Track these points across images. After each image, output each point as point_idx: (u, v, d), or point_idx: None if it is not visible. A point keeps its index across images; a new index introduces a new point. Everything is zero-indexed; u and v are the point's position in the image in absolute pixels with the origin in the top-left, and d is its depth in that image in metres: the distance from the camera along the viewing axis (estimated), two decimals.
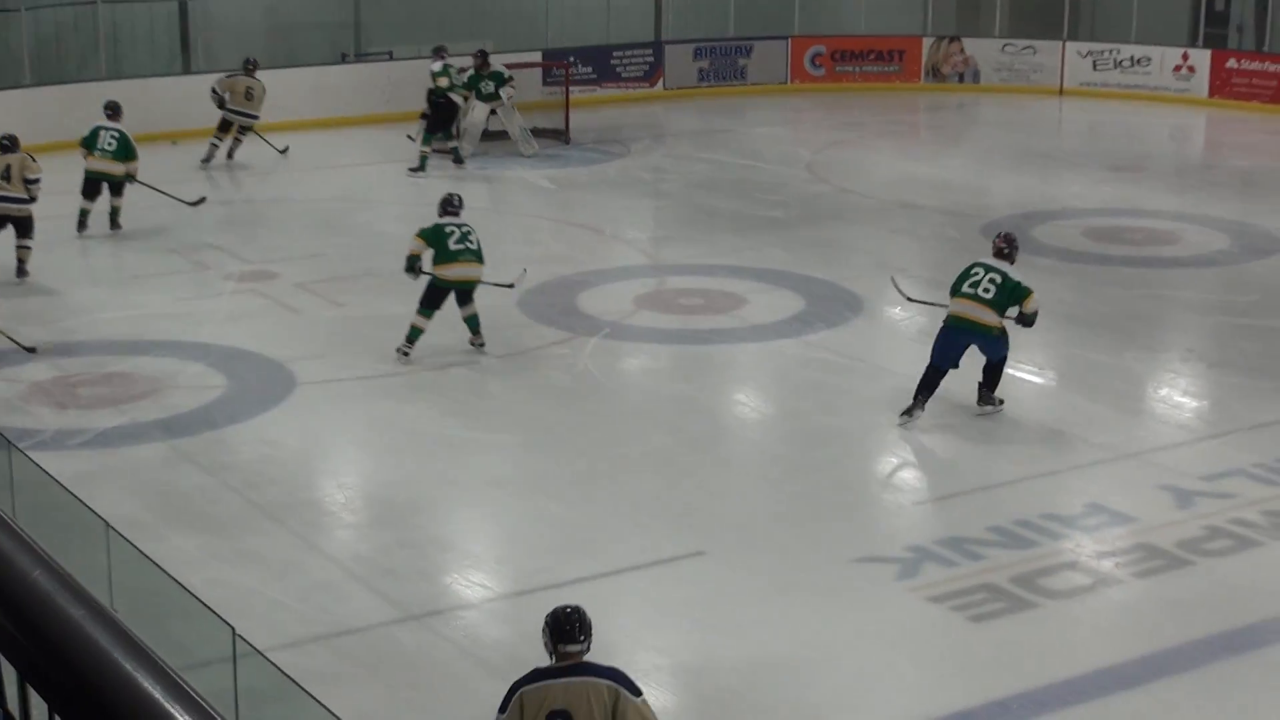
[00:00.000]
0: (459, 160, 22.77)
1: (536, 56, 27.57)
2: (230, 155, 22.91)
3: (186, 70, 26.23)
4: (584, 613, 6.68)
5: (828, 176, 22.50)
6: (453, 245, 13.91)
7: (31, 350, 14.02)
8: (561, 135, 25.01)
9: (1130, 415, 13.04)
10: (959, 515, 10.90)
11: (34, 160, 16.61)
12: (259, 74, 22.78)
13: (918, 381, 12.52)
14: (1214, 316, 16.12)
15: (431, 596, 9.74)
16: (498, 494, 11.42)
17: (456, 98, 22.90)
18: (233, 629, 7.33)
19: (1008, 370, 13.37)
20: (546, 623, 6.66)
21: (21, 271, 16.67)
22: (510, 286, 15.00)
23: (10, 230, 16.56)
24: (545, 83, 26.96)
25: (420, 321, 14.13)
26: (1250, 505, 11.02)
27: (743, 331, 15.10)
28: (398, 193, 21.49)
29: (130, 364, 14.00)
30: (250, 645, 7.58)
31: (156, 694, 1.85)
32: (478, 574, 10.07)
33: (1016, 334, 12.84)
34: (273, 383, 13.52)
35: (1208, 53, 28.79)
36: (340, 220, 19.69)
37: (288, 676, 7.25)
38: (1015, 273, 12.53)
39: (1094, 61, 29.53)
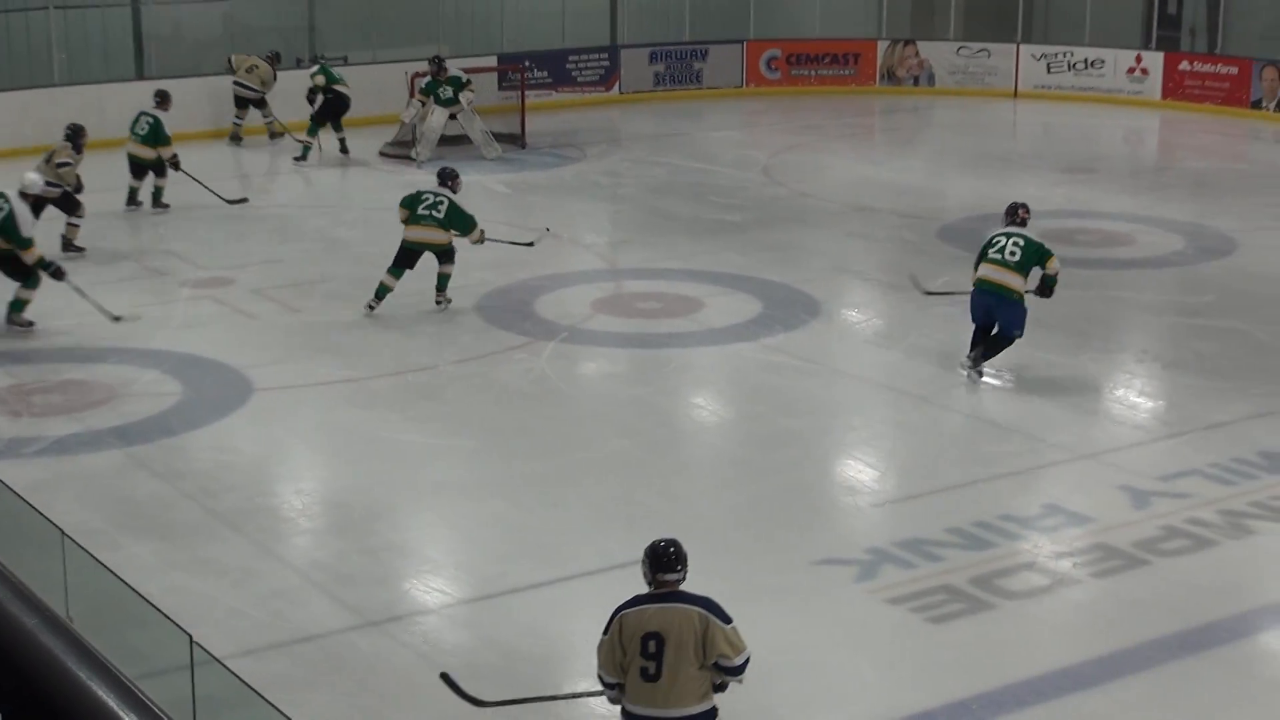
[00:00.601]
0: (345, 150, 23.53)
1: (492, 60, 27.51)
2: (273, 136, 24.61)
3: (140, 76, 26.07)
4: (680, 545, 7.16)
5: (784, 180, 22.53)
6: (420, 210, 15.45)
7: (118, 319, 14.89)
8: (517, 140, 24.97)
9: (1087, 416, 13.09)
10: (917, 517, 10.93)
11: (73, 149, 17.74)
12: (278, 71, 24.51)
13: (972, 339, 13.66)
14: (1169, 317, 16.21)
15: (390, 602, 9.71)
16: (456, 499, 11.40)
17: (343, 90, 23.60)
18: (190, 637, 7.29)
19: (965, 373, 13.51)
20: (646, 554, 7.12)
21: (68, 247, 17.75)
22: (530, 245, 16.68)
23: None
24: (500, 87, 26.89)
25: (389, 280, 15.53)
26: (1206, 505, 11.08)
27: (700, 335, 15.11)
28: (354, 198, 21.45)
29: (85, 371, 13.92)
30: (208, 653, 7.54)
31: (111, 702, 1.84)
32: (436, 579, 10.03)
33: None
34: (229, 389, 13.46)
35: (1160, 55, 28.96)
36: (297, 226, 19.64)
37: (246, 684, 7.21)
38: (1035, 236, 13.41)
39: (1048, 64, 29.65)
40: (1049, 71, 29.65)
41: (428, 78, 23.29)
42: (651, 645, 6.85)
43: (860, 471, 12.09)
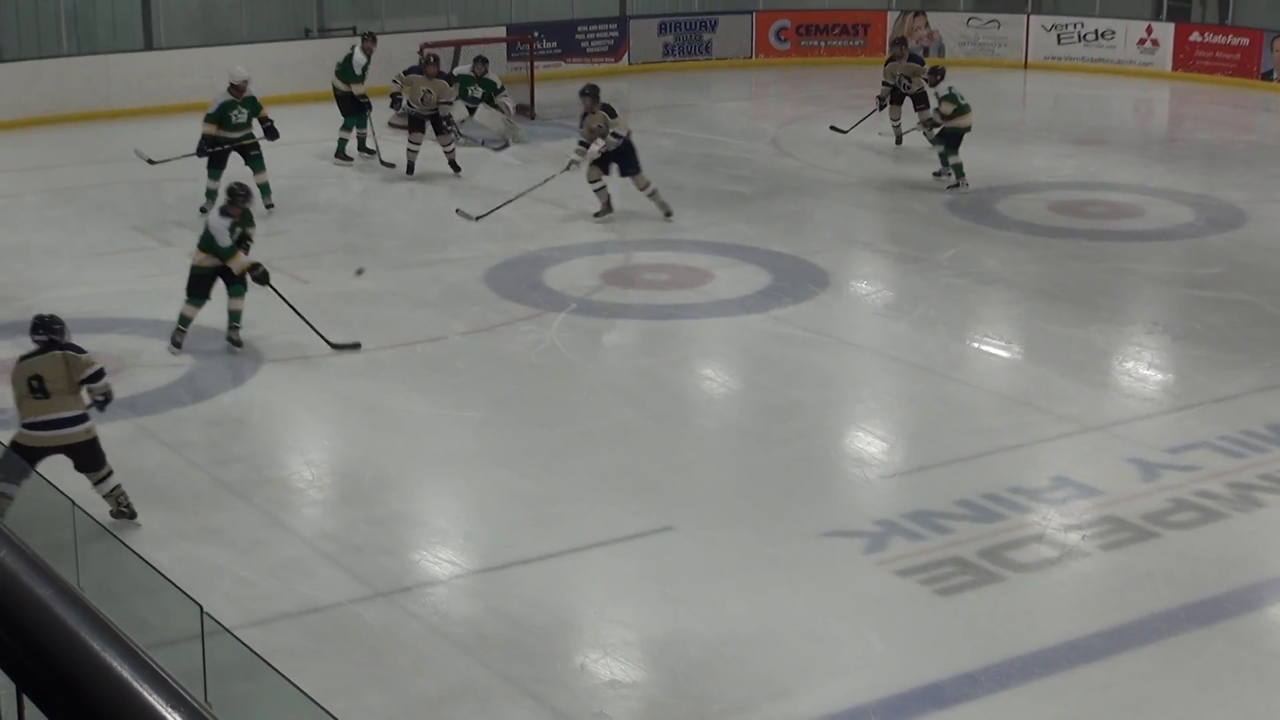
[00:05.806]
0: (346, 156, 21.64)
1: (501, 31, 27.48)
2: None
3: (149, 46, 26.06)
4: (53, 316, 10.10)
5: (792, 151, 22.49)
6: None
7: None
8: (526, 110, 24.92)
9: (1096, 388, 13.08)
10: (926, 489, 10.93)
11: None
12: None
13: None
14: (1178, 289, 16.18)
15: (399, 573, 9.73)
16: (464, 470, 11.41)
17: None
18: (200, 606, 7.31)
19: (973, 345, 13.51)
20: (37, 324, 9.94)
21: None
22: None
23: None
24: (510, 58, 26.87)
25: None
26: (1215, 477, 11.07)
27: (709, 306, 15.10)
28: (361, 169, 21.40)
29: (94, 341, 13.88)
30: (218, 623, 7.57)
31: (125, 672, 1.84)
32: (445, 550, 10.05)
33: (984, 312, 12.88)
34: (238, 360, 13.47)
35: (1171, 26, 28.88)
36: (304, 197, 19.60)
37: (256, 654, 7.24)
38: None
39: (1058, 35, 29.58)
40: (1059, 43, 29.58)
41: (460, 68, 22.76)
42: (35, 383, 9.66)
43: (869, 443, 12.09)
